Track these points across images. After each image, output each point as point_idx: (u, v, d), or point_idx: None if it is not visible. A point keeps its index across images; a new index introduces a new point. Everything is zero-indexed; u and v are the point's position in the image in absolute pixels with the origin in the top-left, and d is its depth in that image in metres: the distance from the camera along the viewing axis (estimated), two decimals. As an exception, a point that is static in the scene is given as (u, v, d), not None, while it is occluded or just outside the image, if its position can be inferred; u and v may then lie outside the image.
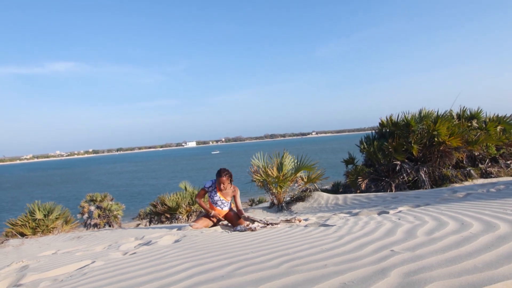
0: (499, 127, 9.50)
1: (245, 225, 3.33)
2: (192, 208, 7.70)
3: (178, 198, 7.82)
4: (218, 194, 3.76)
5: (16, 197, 33.57)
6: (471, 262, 1.32)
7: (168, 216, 7.94)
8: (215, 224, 3.87)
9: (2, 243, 5.24)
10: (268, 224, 3.23)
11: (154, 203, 8.48)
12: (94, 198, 12.44)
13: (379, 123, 9.48)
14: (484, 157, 9.22)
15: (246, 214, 3.69)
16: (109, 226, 11.80)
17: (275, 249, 2.00)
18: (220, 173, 3.69)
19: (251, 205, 14.59)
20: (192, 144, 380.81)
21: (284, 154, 6.87)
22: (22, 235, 6.74)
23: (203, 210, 3.99)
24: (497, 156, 9.28)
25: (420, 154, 8.31)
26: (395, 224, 2.38)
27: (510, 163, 9.12)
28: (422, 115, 8.52)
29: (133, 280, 1.67)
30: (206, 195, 3.95)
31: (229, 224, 3.84)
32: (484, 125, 9.44)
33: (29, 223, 6.94)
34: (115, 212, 12.18)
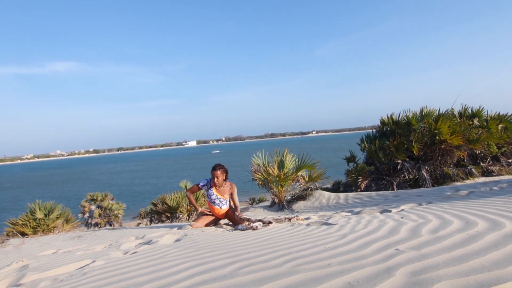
0: (500, 125, 9.47)
1: (246, 224, 3.31)
2: (193, 208, 7.69)
3: (179, 197, 7.80)
4: (215, 192, 3.71)
5: (17, 196, 33.61)
6: (478, 261, 1.30)
7: (169, 215, 7.93)
8: (216, 223, 3.84)
9: (2, 242, 5.23)
10: (265, 223, 3.19)
11: (155, 202, 8.47)
12: (95, 198, 12.44)
13: (380, 122, 9.45)
14: (485, 155, 9.18)
15: (240, 214, 3.63)
16: (110, 225, 11.80)
17: (277, 248, 1.98)
18: (214, 167, 3.68)
19: (251, 204, 14.57)
20: (193, 143, 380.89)
21: (285, 153, 6.84)
22: (23, 234, 6.73)
23: (194, 206, 3.97)
24: (498, 155, 9.24)
25: (421, 153, 8.28)
26: (398, 222, 2.35)
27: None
28: (423, 113, 8.49)
29: (133, 279, 1.64)
30: (205, 194, 3.93)
31: (230, 223, 3.82)
32: (485, 124, 9.41)
33: (29, 222, 6.93)
34: (115, 212, 12.17)
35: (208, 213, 3.86)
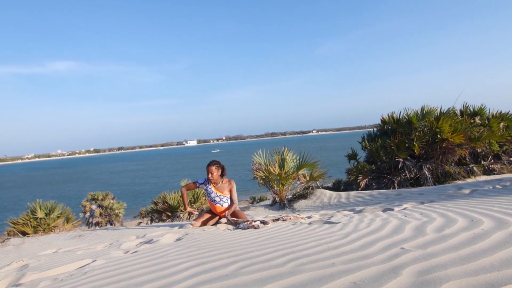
0: (502, 124, 9.44)
1: (248, 222, 3.28)
2: (194, 206, 7.67)
3: (179, 196, 7.79)
4: (214, 190, 3.68)
5: (18, 196, 33.65)
6: (487, 260, 1.27)
7: (169, 214, 7.91)
8: (217, 222, 3.82)
9: (3, 242, 5.22)
10: (261, 223, 3.16)
11: (155, 201, 8.45)
12: (96, 197, 12.43)
13: (381, 121, 9.42)
14: (487, 154, 9.15)
15: (229, 215, 3.60)
16: (111, 224, 11.80)
17: (279, 247, 1.95)
18: (209, 163, 3.65)
19: (252, 203, 14.54)
20: (193, 142, 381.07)
21: (285, 151, 6.82)
22: (24, 234, 6.72)
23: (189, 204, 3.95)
24: (500, 153, 9.21)
25: (423, 151, 8.25)
26: (402, 221, 2.32)
27: (514, 160, 9.04)
28: (424, 112, 8.45)
29: (134, 279, 1.62)
30: (205, 194, 3.90)
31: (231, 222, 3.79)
32: (487, 122, 9.37)
33: (30, 221, 6.92)
34: (116, 211, 12.17)
35: (204, 212, 3.83)
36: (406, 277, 1.19)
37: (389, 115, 9.12)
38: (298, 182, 6.79)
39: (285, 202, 6.57)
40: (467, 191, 4.13)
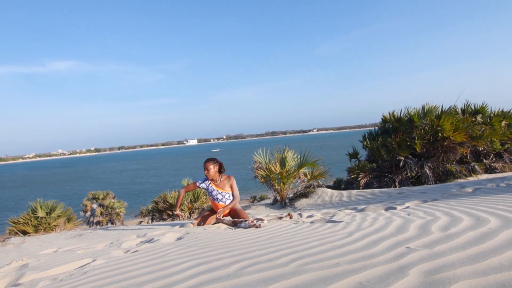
0: (503, 122, 9.39)
1: (250, 221, 3.25)
2: (194, 205, 7.65)
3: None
4: (215, 187, 3.66)
5: (20, 195, 33.70)
6: (496, 260, 1.23)
7: (170, 213, 7.89)
8: (217, 221, 3.79)
9: (4, 241, 5.20)
10: (258, 222, 3.12)
11: (156, 200, 8.44)
12: (96, 196, 12.43)
13: (382, 119, 9.38)
14: (488, 152, 9.11)
15: (220, 217, 3.58)
16: (112, 223, 11.80)
17: (282, 246, 1.92)
18: (206, 160, 3.65)
19: (252, 202, 14.53)
20: (194, 142, 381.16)
21: (286, 150, 6.79)
22: (25, 233, 6.71)
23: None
24: (501, 151, 9.17)
25: (424, 150, 8.22)
26: (405, 220, 2.29)
27: (516, 158, 8.99)
28: (425, 110, 8.41)
29: (134, 279, 1.59)
30: (205, 192, 3.88)
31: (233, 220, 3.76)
32: (488, 120, 9.33)
33: (31, 221, 6.90)
34: (117, 210, 12.16)
35: (206, 211, 3.81)
36: (414, 277, 1.16)
37: (390, 113, 9.08)
38: (299, 181, 6.77)
39: (286, 201, 6.54)
40: (470, 189, 4.09)
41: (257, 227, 3.00)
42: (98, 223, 11.86)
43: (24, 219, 6.97)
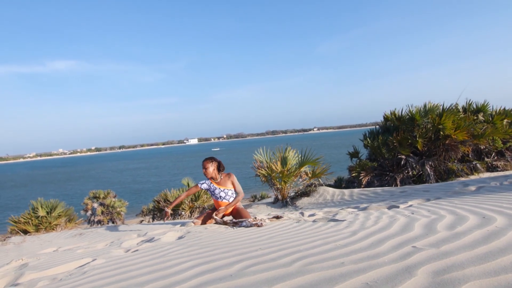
0: (505, 120, 9.35)
1: (251, 220, 3.22)
2: (195, 204, 7.62)
3: (181, 194, 7.73)
4: (217, 186, 3.64)
5: (20, 195, 33.74)
6: (506, 259, 1.20)
7: (171, 212, 7.87)
8: (216, 221, 3.75)
9: (4, 240, 5.19)
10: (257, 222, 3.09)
11: (157, 199, 8.42)
12: (97, 195, 12.41)
13: (383, 117, 9.34)
14: (490, 150, 9.07)
15: (218, 214, 3.56)
16: (113, 222, 11.79)
17: (285, 245, 1.89)
18: (204, 159, 3.67)
19: (253, 201, 14.50)
20: (194, 141, 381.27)
21: (287, 149, 6.76)
22: (25, 232, 6.70)
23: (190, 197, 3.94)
24: (503, 150, 9.13)
25: (425, 148, 8.17)
26: (410, 218, 2.26)
27: (517, 156, 8.95)
28: (427, 109, 8.37)
29: (134, 279, 1.56)
30: (206, 192, 3.86)
31: (234, 220, 3.73)
32: (490, 118, 9.28)
33: (32, 220, 6.89)
34: (118, 209, 12.15)
35: (207, 210, 3.78)
36: (422, 278, 1.13)
37: (392, 112, 9.05)
38: (301, 180, 6.74)
39: (288, 199, 6.51)
40: (473, 187, 4.05)
41: (258, 226, 2.96)
42: (99, 222, 11.86)
43: (25, 218, 6.95)
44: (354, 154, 9.21)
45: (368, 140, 8.86)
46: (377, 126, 9.51)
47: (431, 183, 7.38)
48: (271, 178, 6.52)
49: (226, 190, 3.64)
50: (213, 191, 3.67)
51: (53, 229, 6.91)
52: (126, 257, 2.13)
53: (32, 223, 6.88)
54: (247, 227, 3.03)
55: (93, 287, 1.54)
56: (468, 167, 8.28)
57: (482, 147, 8.74)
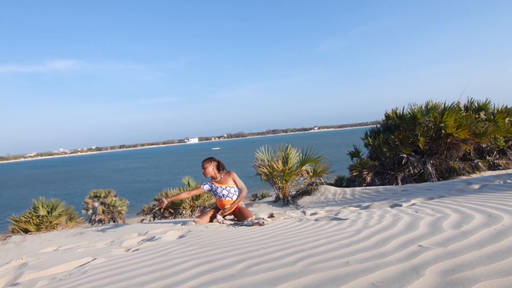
0: (507, 119, 9.31)
1: (252, 219, 3.20)
2: (196, 203, 7.60)
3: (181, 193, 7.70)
4: (218, 185, 3.62)
5: (21, 194, 33.79)
6: (516, 259, 1.17)
7: (172, 211, 7.85)
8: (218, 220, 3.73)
9: (5, 239, 5.17)
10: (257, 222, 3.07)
11: (158, 198, 8.40)
12: (98, 194, 12.41)
13: (385, 116, 9.31)
14: (491, 149, 9.04)
15: (225, 212, 3.56)
16: (114, 221, 11.79)
17: (287, 244, 1.86)
18: (203, 160, 3.67)
19: (254, 200, 14.49)
20: (195, 140, 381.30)
21: (288, 147, 6.73)
22: (26, 231, 6.69)
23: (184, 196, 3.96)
24: (505, 148, 9.09)
25: (427, 147, 8.14)
26: (414, 217, 2.22)
27: (519, 154, 8.91)
28: (428, 107, 8.33)
29: (135, 279, 1.54)
30: (209, 193, 3.84)
31: (235, 219, 3.71)
32: (492, 117, 9.24)
33: (33, 219, 6.88)
34: (119, 208, 12.14)
35: (209, 209, 3.77)
36: (430, 278, 1.10)
37: (393, 110, 9.01)
38: (302, 178, 6.71)
39: (289, 198, 6.49)
40: (477, 186, 4.02)
41: (260, 224, 2.94)
42: (100, 221, 11.85)
43: (25, 218, 6.94)
44: (355, 154, 9.18)
45: (369, 139, 8.82)
46: (378, 125, 9.48)
47: (432, 181, 7.35)
48: (272, 176, 6.49)
49: (228, 188, 3.62)
50: (215, 191, 3.65)
51: (54, 228, 6.90)
52: (126, 257, 2.11)
53: (33, 222, 6.87)
54: (249, 226, 3.00)
55: (93, 287, 1.51)
56: (470, 166, 8.25)
57: (483, 146, 8.70)
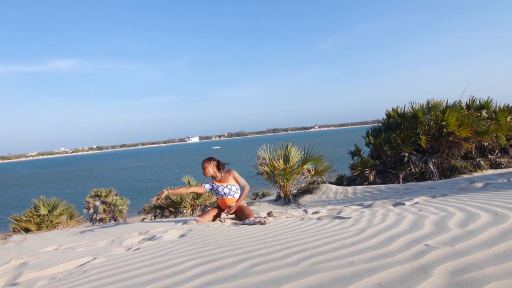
0: (509, 117, 9.25)
1: (254, 217, 3.17)
2: (197, 202, 7.58)
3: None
4: (219, 183, 3.59)
5: (22, 194, 33.84)
6: (527, 258, 1.14)
7: (172, 210, 7.83)
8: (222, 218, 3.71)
9: (5, 238, 5.16)
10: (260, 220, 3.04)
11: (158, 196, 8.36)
12: (99, 194, 12.40)
13: (386, 115, 9.27)
14: (493, 147, 8.99)
15: (230, 210, 3.55)
16: (115, 220, 11.79)
17: (290, 244, 1.83)
18: (202, 160, 3.67)
19: (255, 198, 14.47)
20: (195, 139, 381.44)
21: (289, 146, 6.70)
22: (27, 230, 6.68)
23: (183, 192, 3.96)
24: (507, 147, 9.04)
25: (428, 145, 8.09)
26: (418, 215, 2.19)
27: (521, 153, 8.87)
28: (430, 105, 8.28)
29: (136, 279, 1.51)
30: (210, 192, 3.83)
31: (236, 218, 3.68)
32: (494, 115, 9.19)
33: (33, 218, 6.87)
34: (120, 207, 12.13)
35: (210, 208, 3.75)
36: (439, 278, 1.06)
37: (394, 109, 8.97)
38: (303, 177, 6.68)
39: (290, 197, 6.46)
40: (480, 184, 3.98)
41: (262, 223, 2.91)
42: (101, 220, 11.85)
43: (26, 217, 6.93)
44: (356, 153, 9.14)
45: (371, 138, 8.78)
46: (379, 124, 9.43)
47: (434, 180, 7.31)
48: (273, 175, 6.46)
49: (229, 186, 3.60)
50: (217, 189, 3.63)
51: (54, 227, 6.89)
52: (127, 256, 2.08)
53: (34, 222, 6.86)
54: (250, 225, 2.97)
55: (93, 287, 1.49)
56: (472, 164, 8.20)
57: (485, 144, 8.65)
